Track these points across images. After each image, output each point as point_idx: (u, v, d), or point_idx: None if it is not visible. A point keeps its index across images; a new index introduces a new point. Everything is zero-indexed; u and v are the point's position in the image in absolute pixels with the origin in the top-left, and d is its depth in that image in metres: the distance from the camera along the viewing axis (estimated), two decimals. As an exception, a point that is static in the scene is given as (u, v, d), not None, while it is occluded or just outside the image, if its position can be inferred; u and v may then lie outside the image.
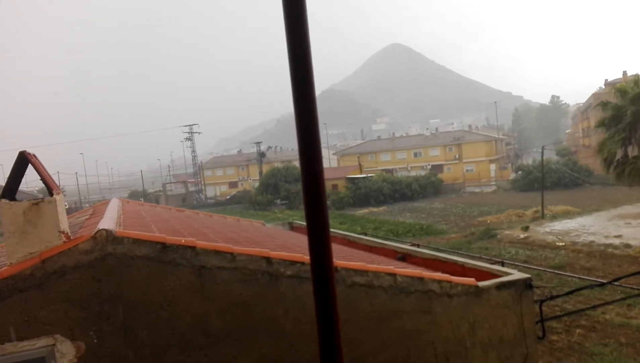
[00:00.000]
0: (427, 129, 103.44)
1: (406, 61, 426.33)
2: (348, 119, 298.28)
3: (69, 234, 4.16)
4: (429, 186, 58.66)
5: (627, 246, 22.07)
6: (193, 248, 4.24)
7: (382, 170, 69.71)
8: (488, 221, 33.67)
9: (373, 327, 5.12)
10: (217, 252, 4.35)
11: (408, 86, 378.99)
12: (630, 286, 9.56)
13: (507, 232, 27.91)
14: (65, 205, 5.16)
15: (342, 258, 6.12)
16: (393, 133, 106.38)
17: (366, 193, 53.95)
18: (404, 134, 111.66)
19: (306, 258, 4.73)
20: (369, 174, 60.19)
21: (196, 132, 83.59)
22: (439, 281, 5.55)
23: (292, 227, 11.84)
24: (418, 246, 10.75)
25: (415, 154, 79.34)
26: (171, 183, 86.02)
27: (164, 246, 4.15)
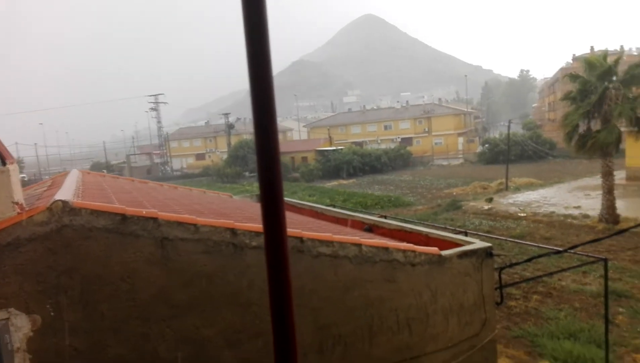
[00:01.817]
0: (398, 102, 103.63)
1: (379, 33, 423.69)
2: (319, 91, 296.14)
3: (24, 205, 4.01)
4: (398, 159, 59.26)
5: (586, 216, 22.93)
6: (155, 219, 4.16)
7: (352, 143, 69.90)
8: (454, 193, 34.36)
9: (338, 296, 5.19)
10: (179, 223, 4.29)
11: (380, 58, 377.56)
12: (585, 254, 9.97)
13: (472, 204, 28.58)
14: (24, 177, 4.97)
15: (309, 229, 6.14)
16: (364, 106, 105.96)
17: (336, 166, 54.15)
18: (375, 107, 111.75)
19: (270, 229, 4.71)
20: (339, 147, 60.29)
21: (162, 102, 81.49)
22: (404, 251, 5.64)
23: (260, 199, 11.79)
24: (385, 217, 10.89)
25: (386, 127, 79.76)
26: (135, 154, 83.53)
27: (124, 218, 4.06)
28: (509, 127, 42.59)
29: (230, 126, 74.94)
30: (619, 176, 28.74)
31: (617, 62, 21.12)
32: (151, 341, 4.19)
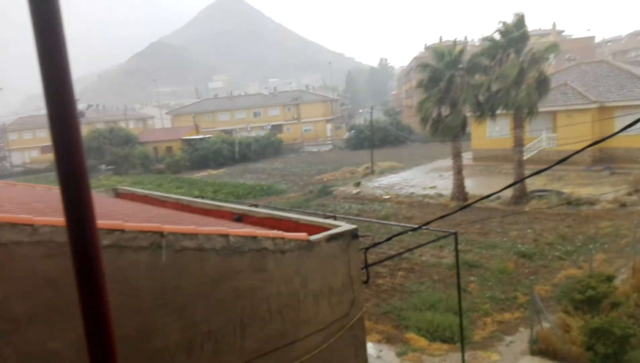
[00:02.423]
0: (266, 88, 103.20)
1: (242, 16, 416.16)
2: (181, 76, 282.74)
3: None
4: (269, 147, 59.41)
5: (440, 195, 25.11)
6: (-21, 222, 3.55)
7: (221, 131, 68.41)
8: (325, 179, 35.43)
9: (206, 290, 4.95)
10: (13, 225, 3.71)
11: (245, 43, 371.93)
12: (439, 229, 10.87)
13: (341, 188, 29.72)
14: None
15: (172, 222, 5.77)
16: (231, 92, 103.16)
17: (204, 155, 52.53)
18: (243, 93, 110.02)
19: (126, 225, 4.31)
20: (207, 135, 58.58)
21: (-5, 88, 71.24)
22: (273, 239, 5.56)
23: (118, 194, 10.93)
24: (256, 206, 10.77)
25: (255, 114, 79.25)
26: (-34, 150, 72.29)
27: (-62, 223, 3.40)
28: (371, 114, 45.00)
29: (80, 114, 68.27)
30: (467, 157, 31.94)
31: (461, 52, 23.28)
32: (-17, 363, 3.60)
